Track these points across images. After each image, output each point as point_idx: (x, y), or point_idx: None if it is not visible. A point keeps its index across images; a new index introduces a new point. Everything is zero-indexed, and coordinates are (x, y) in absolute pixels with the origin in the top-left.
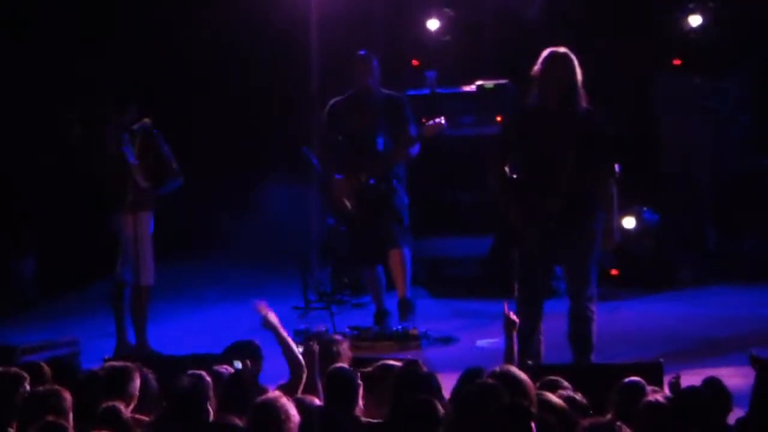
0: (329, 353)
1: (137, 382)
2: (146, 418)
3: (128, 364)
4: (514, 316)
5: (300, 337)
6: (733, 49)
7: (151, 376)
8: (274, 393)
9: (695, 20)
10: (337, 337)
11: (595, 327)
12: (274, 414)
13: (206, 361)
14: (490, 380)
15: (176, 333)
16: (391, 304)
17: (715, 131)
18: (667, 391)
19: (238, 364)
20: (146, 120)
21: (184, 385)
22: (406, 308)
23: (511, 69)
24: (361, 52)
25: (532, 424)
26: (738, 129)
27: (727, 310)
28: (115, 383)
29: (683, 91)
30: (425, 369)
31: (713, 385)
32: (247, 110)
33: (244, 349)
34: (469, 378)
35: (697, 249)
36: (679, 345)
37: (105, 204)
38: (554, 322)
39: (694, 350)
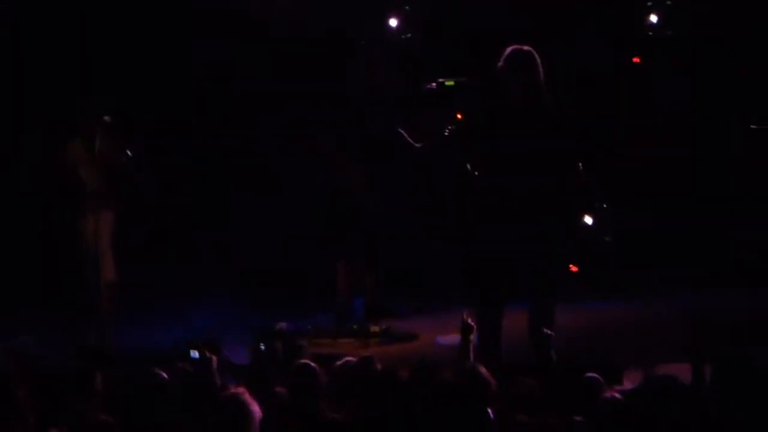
0: (294, 349)
1: (98, 381)
2: (111, 419)
3: (89, 363)
4: (470, 321)
5: (257, 333)
6: (688, 47)
7: (117, 375)
8: (237, 388)
9: (654, 18)
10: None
11: (555, 325)
12: (237, 409)
13: (166, 358)
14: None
15: (137, 332)
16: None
17: (671, 128)
18: (627, 385)
19: (195, 354)
20: (105, 118)
21: (136, 384)
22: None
23: (473, 66)
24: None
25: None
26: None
27: (686, 307)
28: (76, 382)
29: (642, 88)
30: (379, 366)
31: (668, 381)
32: None
33: (202, 344)
34: (421, 375)
35: (658, 245)
36: (638, 342)
37: (65, 205)
38: (514, 320)
39: (652, 347)
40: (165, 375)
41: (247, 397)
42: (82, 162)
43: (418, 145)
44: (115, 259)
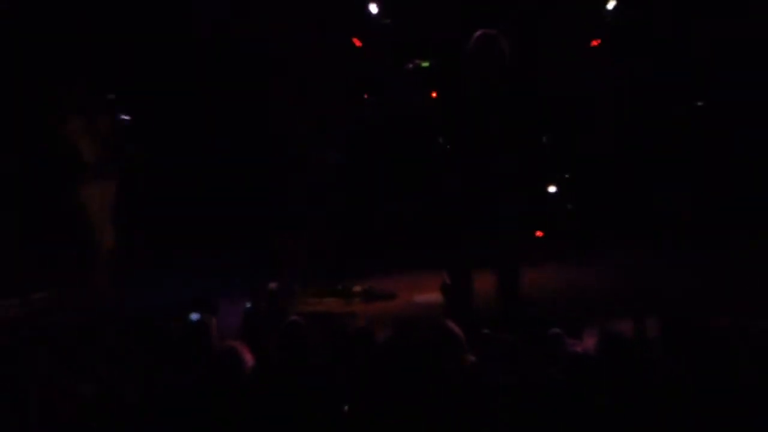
0: (282, 307)
1: (110, 337)
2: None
3: (99, 320)
4: (448, 280)
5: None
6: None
7: (122, 330)
8: (231, 341)
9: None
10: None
11: (521, 284)
12: (231, 358)
13: (169, 314)
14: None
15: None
16: None
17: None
18: (587, 340)
19: (195, 316)
20: (109, 96)
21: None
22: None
23: (451, 51)
24: None
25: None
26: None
27: (635, 267)
28: (87, 339)
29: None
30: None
31: (622, 336)
32: None
33: (201, 304)
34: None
35: (618, 212)
36: (595, 300)
37: (69, 176)
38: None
39: (607, 305)
40: (168, 330)
41: (241, 349)
42: (82, 136)
43: None
44: (116, 227)
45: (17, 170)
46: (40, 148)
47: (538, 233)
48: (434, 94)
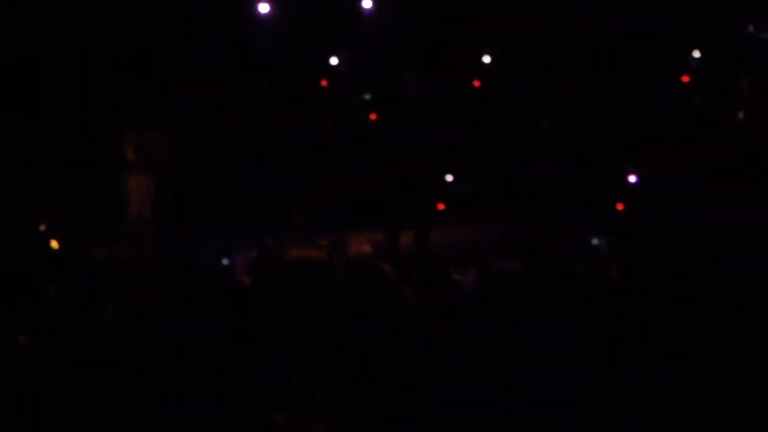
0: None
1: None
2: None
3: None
4: (381, 237)
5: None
6: None
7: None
8: (244, 277)
9: None
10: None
11: (429, 239)
12: (243, 286)
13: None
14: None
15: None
16: None
17: None
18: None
19: (226, 261)
20: (157, 116)
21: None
22: None
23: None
24: None
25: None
26: None
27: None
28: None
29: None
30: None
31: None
32: None
33: (227, 253)
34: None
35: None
36: (479, 248)
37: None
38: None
39: (484, 253)
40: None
41: (248, 282)
42: (133, 144)
43: None
44: (153, 204)
45: (87, 165)
46: (103, 150)
47: (441, 206)
48: (373, 116)
